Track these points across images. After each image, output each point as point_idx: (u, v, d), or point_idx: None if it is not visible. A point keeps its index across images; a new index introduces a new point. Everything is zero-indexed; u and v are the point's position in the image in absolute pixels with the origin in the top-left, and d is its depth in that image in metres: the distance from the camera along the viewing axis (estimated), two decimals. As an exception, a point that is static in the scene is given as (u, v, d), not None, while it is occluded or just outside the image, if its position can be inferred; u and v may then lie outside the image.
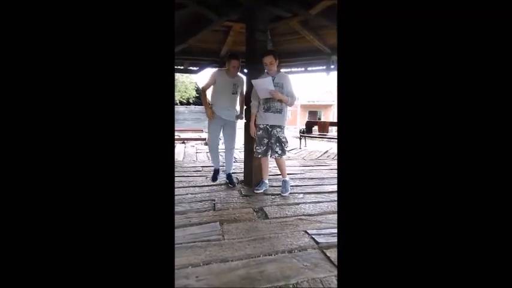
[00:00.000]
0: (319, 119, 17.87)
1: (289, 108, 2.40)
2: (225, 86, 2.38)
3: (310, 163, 3.85)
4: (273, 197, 2.17)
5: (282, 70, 2.44)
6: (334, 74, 4.53)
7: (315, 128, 6.43)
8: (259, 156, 2.28)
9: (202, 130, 8.69)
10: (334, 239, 1.42)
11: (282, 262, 1.21)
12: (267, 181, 2.37)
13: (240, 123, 2.61)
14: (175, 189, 2.29)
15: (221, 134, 2.55)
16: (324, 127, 6.21)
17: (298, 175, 2.96)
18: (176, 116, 11.94)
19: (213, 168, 2.64)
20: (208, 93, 2.47)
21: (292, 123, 17.04)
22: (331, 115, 18.91)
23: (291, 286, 1.05)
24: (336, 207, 1.93)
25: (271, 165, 2.48)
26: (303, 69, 4.38)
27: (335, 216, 1.76)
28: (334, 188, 2.45)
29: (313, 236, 1.46)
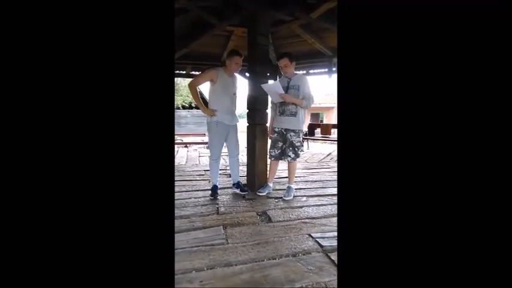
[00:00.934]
0: (322, 121, 17.86)
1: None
2: (227, 86, 2.16)
3: (313, 165, 3.84)
4: (276, 200, 2.16)
5: (297, 72, 2.40)
6: (336, 77, 4.53)
7: (318, 130, 6.42)
8: (273, 159, 2.28)
9: (204, 134, 8.70)
10: (339, 242, 1.41)
11: (286, 266, 1.20)
12: (271, 184, 2.36)
13: (240, 126, 2.44)
14: (179, 193, 2.29)
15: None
16: (326, 129, 6.20)
17: (301, 178, 2.95)
18: (178, 120, 12.01)
19: (212, 184, 2.28)
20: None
21: (295, 125, 16.91)
22: (333, 117, 18.88)
23: (295, 290, 1.04)
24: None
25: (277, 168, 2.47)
26: (304, 72, 4.39)
27: (339, 219, 1.75)
28: (338, 190, 2.43)
29: (317, 240, 1.45)
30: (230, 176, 2.48)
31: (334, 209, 1.95)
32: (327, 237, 1.48)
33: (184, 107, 13.33)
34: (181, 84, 12.87)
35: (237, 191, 2.32)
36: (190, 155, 4.69)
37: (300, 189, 2.49)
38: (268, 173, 2.40)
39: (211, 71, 2.14)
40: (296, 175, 3.01)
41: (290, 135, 2.18)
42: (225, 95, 2.16)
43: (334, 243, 1.41)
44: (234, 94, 2.24)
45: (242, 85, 2.44)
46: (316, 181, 2.82)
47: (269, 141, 2.40)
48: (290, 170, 2.29)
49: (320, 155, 4.87)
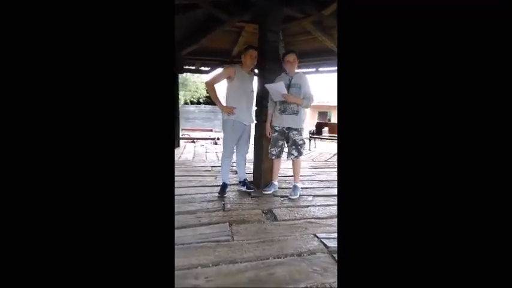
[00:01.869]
0: (329, 120, 17.69)
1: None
2: (244, 83, 2.13)
3: (319, 165, 3.81)
4: (282, 198, 2.16)
5: (298, 70, 2.39)
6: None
7: (325, 129, 6.36)
8: (273, 158, 2.28)
9: (212, 130, 8.75)
10: (344, 244, 1.40)
11: (291, 265, 1.20)
12: (276, 183, 2.36)
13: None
14: (186, 189, 2.31)
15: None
16: (334, 128, 6.14)
17: (308, 177, 2.94)
18: (186, 115, 12.07)
19: (221, 181, 2.26)
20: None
21: (302, 124, 16.87)
22: (341, 116, 18.60)
23: (300, 290, 1.04)
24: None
25: (281, 166, 2.46)
26: (314, 69, 4.35)
27: (345, 220, 1.73)
28: (345, 191, 2.41)
29: (323, 240, 1.44)
30: (236, 173, 2.49)
31: (340, 210, 1.94)
32: (333, 238, 1.47)
33: (192, 102, 13.42)
34: (190, 79, 12.94)
35: (243, 188, 2.32)
36: (197, 150, 4.72)
37: (306, 188, 2.48)
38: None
39: (229, 68, 2.13)
40: (303, 174, 3.00)
41: (293, 134, 2.17)
42: (243, 94, 2.13)
43: (340, 244, 1.40)
44: (252, 91, 2.23)
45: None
46: (322, 181, 2.80)
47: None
48: (294, 168, 2.29)
49: (327, 155, 4.83)
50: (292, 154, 2.19)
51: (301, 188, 2.36)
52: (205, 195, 2.17)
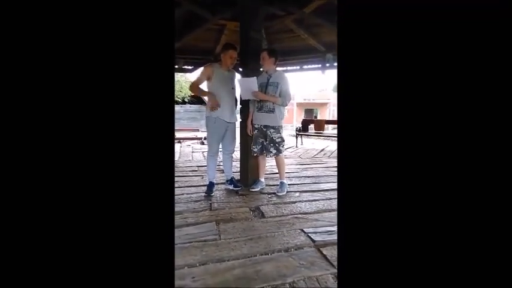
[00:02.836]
0: (316, 117, 17.93)
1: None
2: (224, 81, 2.13)
3: (306, 161, 3.86)
4: (269, 196, 2.17)
5: (278, 69, 2.40)
6: (329, 72, 4.54)
7: (311, 126, 6.44)
8: (255, 154, 2.28)
9: (198, 129, 8.65)
10: (330, 237, 1.43)
11: (278, 261, 1.21)
12: (263, 180, 2.36)
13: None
14: (171, 190, 2.27)
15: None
16: (320, 125, 6.22)
17: (295, 173, 2.96)
18: (171, 116, 11.89)
19: (208, 180, 2.26)
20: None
21: (289, 121, 17.07)
22: (327, 113, 18.99)
23: (287, 285, 1.05)
24: (332, 205, 1.93)
25: (268, 164, 2.47)
26: (298, 67, 4.38)
27: (331, 214, 1.77)
28: (330, 186, 2.46)
29: (310, 235, 1.46)
30: (223, 172, 2.48)
31: (326, 204, 1.97)
32: (319, 232, 1.49)
33: (177, 102, 13.21)
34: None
35: (231, 187, 2.31)
36: (183, 150, 4.66)
37: (294, 184, 2.50)
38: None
39: (207, 68, 2.13)
40: (290, 171, 3.02)
41: (270, 132, 2.17)
42: (223, 92, 2.12)
43: (326, 238, 1.43)
44: (233, 89, 2.21)
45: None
46: (309, 176, 2.84)
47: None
48: (278, 165, 2.30)
49: (313, 151, 4.90)
50: (271, 152, 2.19)
51: (289, 184, 2.38)
52: (192, 195, 2.15)
